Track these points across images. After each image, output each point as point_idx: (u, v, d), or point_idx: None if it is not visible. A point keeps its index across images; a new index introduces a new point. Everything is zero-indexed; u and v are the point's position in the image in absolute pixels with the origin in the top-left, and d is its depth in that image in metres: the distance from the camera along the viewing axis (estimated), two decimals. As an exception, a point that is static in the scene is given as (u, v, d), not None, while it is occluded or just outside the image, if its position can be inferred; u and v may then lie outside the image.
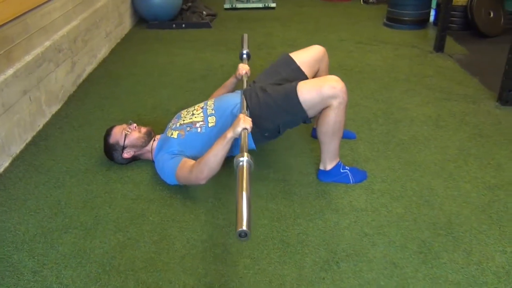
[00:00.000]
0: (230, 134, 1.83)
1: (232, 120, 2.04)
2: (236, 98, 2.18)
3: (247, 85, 2.25)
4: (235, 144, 1.90)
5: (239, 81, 2.41)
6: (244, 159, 1.54)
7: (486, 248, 1.73)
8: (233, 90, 2.47)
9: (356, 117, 2.74)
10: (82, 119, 2.79)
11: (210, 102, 2.23)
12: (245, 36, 2.72)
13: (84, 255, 1.73)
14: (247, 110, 2.02)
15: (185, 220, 1.91)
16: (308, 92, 1.97)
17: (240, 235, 1.29)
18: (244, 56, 2.56)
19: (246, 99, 2.09)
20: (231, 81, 2.46)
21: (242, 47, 2.62)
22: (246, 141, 1.73)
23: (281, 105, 2.01)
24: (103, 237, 1.82)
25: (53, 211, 1.97)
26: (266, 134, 2.10)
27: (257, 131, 2.03)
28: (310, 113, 2.00)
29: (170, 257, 1.72)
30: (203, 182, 1.93)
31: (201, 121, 2.14)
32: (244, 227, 1.28)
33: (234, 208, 1.93)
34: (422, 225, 1.85)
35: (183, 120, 2.19)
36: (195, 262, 1.69)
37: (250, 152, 1.96)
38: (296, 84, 2.01)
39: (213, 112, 2.15)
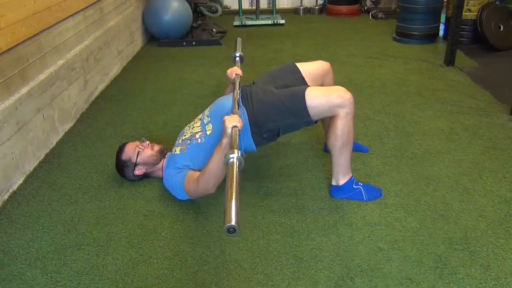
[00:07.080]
0: (225, 140, 1.81)
1: None
2: (230, 100, 2.11)
3: (240, 86, 2.17)
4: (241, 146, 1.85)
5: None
6: (234, 156, 1.51)
7: (504, 263, 1.69)
8: None
9: (367, 131, 2.73)
10: (94, 136, 2.81)
11: (206, 111, 2.23)
12: (239, 39, 2.67)
13: (97, 272, 1.73)
14: (245, 108, 1.99)
15: (197, 236, 1.90)
16: (316, 98, 1.97)
17: (228, 231, 1.28)
18: (237, 58, 2.49)
19: (246, 97, 2.08)
20: (230, 88, 2.40)
21: (235, 50, 2.54)
22: (237, 138, 1.69)
23: (287, 106, 2.00)
24: (115, 254, 1.82)
25: (66, 228, 1.98)
26: (264, 136, 2.08)
27: (256, 131, 2.03)
28: (315, 119, 2.00)
29: (183, 273, 1.71)
30: (212, 191, 1.94)
31: (200, 131, 2.14)
32: (233, 222, 1.27)
33: (247, 225, 1.94)
34: (437, 240, 1.83)
35: (185, 136, 2.21)
36: (208, 278, 1.68)
37: (251, 154, 1.93)
38: (305, 88, 2.01)
39: (209, 119, 2.15)
